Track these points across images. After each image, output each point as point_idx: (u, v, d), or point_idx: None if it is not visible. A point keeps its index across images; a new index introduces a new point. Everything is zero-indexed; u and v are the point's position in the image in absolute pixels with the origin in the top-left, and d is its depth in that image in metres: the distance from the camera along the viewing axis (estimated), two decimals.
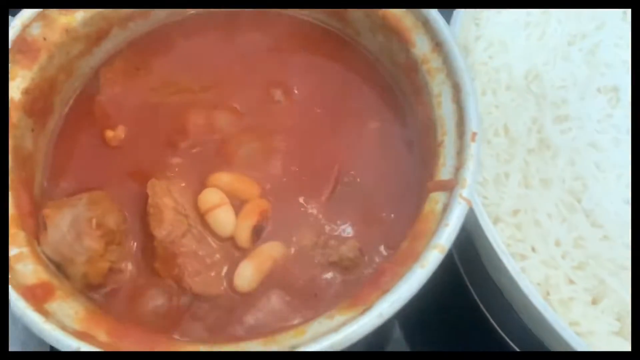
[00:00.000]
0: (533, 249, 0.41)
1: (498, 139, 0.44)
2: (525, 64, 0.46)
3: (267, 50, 0.45)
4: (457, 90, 0.38)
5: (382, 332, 0.54)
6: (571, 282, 0.39)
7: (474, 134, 0.36)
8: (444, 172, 0.36)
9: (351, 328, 0.31)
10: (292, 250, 0.40)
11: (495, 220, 0.42)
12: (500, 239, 0.37)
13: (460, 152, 0.36)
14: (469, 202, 0.34)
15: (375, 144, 0.43)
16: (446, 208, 0.34)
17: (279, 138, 0.43)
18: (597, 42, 0.46)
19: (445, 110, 0.38)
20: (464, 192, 0.34)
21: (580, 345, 0.34)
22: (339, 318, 0.32)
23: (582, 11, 0.47)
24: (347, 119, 0.44)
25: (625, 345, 0.37)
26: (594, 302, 0.39)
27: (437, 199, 0.36)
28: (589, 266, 0.39)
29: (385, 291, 0.32)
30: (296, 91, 0.44)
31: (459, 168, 0.35)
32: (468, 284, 0.45)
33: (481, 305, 0.44)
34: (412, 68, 0.41)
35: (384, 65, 0.44)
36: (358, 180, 0.42)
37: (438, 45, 0.39)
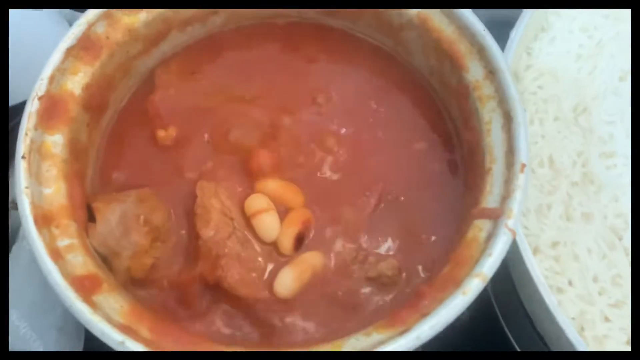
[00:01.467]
0: (570, 283, 0.41)
1: (542, 169, 0.44)
2: (574, 97, 0.46)
3: (320, 64, 0.46)
4: (507, 119, 0.38)
5: None
6: (607, 319, 0.39)
7: (523, 165, 0.36)
8: (490, 200, 0.37)
9: (388, 347, 0.31)
10: (332, 261, 0.40)
11: (535, 251, 0.42)
12: (538, 270, 0.37)
13: (508, 182, 0.36)
14: (513, 232, 0.34)
15: (420, 164, 0.43)
16: (490, 237, 0.35)
17: (326, 150, 0.43)
18: None
19: (494, 138, 0.38)
20: (510, 223, 0.34)
21: None
22: (376, 336, 0.33)
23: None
24: (393, 137, 0.44)
25: None
26: (630, 342, 0.39)
27: (481, 226, 0.36)
28: (626, 305, 0.39)
29: (424, 315, 0.32)
30: (344, 106, 0.45)
31: (506, 197, 0.36)
32: (499, 314, 0.45)
33: (511, 337, 0.44)
34: (463, 93, 0.41)
35: (434, 88, 0.45)
36: (401, 199, 0.42)
37: (491, 72, 0.40)
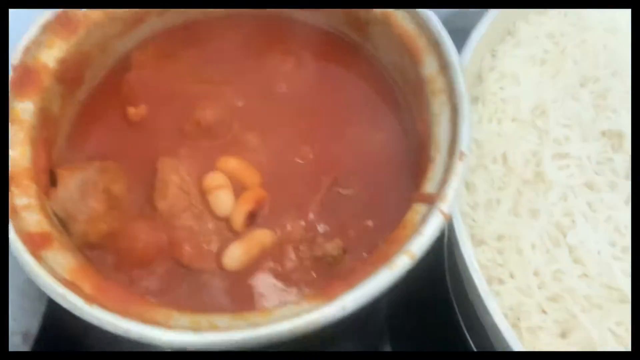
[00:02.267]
0: (511, 275, 0.42)
1: (495, 165, 0.45)
2: (534, 99, 0.47)
3: (286, 54, 0.48)
4: (454, 112, 0.40)
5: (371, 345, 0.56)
6: (543, 312, 0.40)
7: (462, 153, 0.37)
8: (429, 187, 0.38)
9: (313, 315, 0.33)
10: (281, 239, 0.42)
11: (480, 243, 0.43)
12: (474, 257, 0.38)
13: (448, 170, 0.38)
14: (447, 216, 0.36)
15: (377, 154, 0.45)
16: (424, 219, 0.36)
17: (286, 135, 0.45)
18: (608, 87, 0.47)
19: (442, 129, 0.40)
20: (443, 206, 0.36)
21: None
22: (305, 305, 0.34)
23: (599, 55, 0.48)
24: (354, 127, 0.46)
25: None
26: (563, 335, 0.39)
27: (418, 210, 0.37)
28: (563, 300, 0.40)
29: (351, 287, 0.34)
30: (308, 93, 0.47)
31: (443, 184, 0.37)
32: (453, 300, 0.46)
33: (461, 322, 0.45)
34: (419, 87, 0.43)
35: (396, 82, 0.46)
36: (354, 185, 0.44)
37: (444, 67, 0.41)
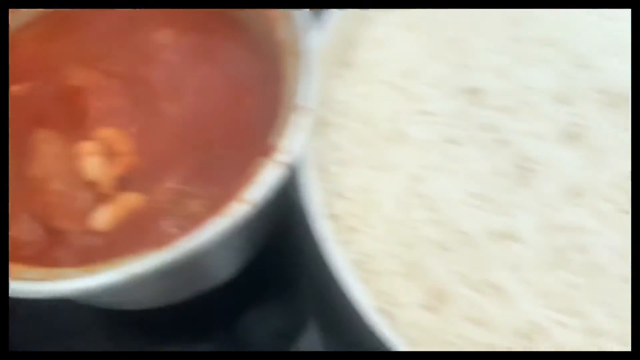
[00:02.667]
0: (367, 224, 0.44)
1: (359, 125, 0.47)
2: (403, 64, 0.50)
3: (161, 29, 0.50)
4: (305, 72, 0.42)
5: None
6: (392, 256, 0.42)
7: (305, 108, 0.40)
8: (278, 141, 0.40)
9: (150, 261, 0.35)
10: (150, 202, 0.44)
11: (339, 196, 0.45)
12: (317, 201, 0.40)
13: (291, 124, 0.40)
14: (287, 165, 0.38)
15: (246, 117, 0.47)
16: (265, 170, 0.38)
17: (158, 101, 0.47)
18: (470, 46, 0.49)
19: (293, 88, 0.42)
20: (281, 157, 0.38)
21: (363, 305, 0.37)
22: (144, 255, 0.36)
23: (464, 16, 0.50)
24: (224, 92, 0.48)
25: (432, 318, 0.40)
26: (408, 276, 0.42)
27: (262, 163, 0.40)
28: (414, 245, 0.42)
29: (188, 236, 0.36)
30: (183, 61, 0.49)
31: (286, 136, 0.39)
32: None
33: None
34: (279, 50, 0.45)
35: (263, 45, 0.48)
36: (222, 149, 0.46)
37: (294, 30, 0.43)
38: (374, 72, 0.50)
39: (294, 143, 0.39)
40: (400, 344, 0.37)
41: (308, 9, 0.44)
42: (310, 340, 0.54)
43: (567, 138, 0.46)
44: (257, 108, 0.47)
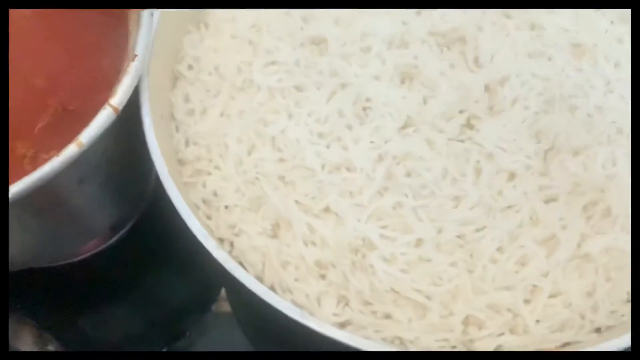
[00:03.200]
0: (216, 167, 0.47)
1: (210, 77, 0.50)
2: (251, 18, 0.53)
3: None
4: (139, 25, 0.45)
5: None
6: (239, 191, 0.45)
7: (135, 56, 0.42)
8: (115, 89, 0.43)
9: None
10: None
11: (190, 143, 0.48)
12: (157, 147, 0.43)
13: (126, 71, 0.43)
14: (115, 108, 0.41)
15: (100, 73, 0.49)
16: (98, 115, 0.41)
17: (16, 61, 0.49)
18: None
19: (131, 43, 0.45)
20: (112, 100, 0.41)
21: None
22: None
23: None
24: (82, 53, 0.50)
25: (272, 243, 0.43)
26: (254, 209, 0.45)
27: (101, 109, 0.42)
28: (258, 181, 0.46)
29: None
30: (41, 22, 0.51)
31: (120, 83, 0.42)
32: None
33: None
34: (126, 13, 0.48)
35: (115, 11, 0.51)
36: (71, 108, 0.48)
37: None
38: (226, 28, 0.53)
39: (122, 87, 0.41)
40: (235, 268, 0.40)
41: None
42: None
43: (401, 78, 0.50)
44: (110, 68, 0.50)
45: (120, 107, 0.41)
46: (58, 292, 0.60)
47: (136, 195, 0.58)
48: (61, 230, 0.50)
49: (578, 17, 0.52)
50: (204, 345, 0.61)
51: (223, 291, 0.64)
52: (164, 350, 0.59)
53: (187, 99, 0.50)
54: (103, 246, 0.62)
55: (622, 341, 0.38)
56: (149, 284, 0.65)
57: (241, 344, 0.59)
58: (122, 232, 0.62)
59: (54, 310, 0.58)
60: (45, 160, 0.44)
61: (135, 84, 0.42)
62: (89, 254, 0.61)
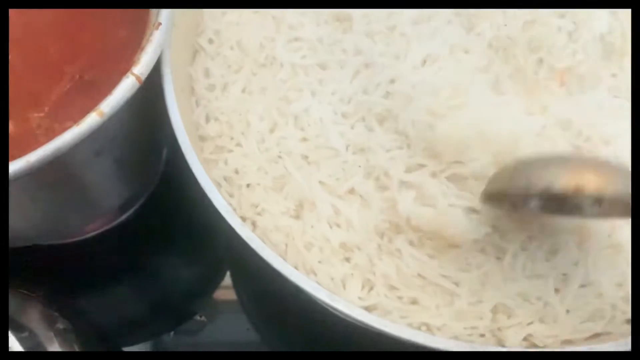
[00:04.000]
0: (238, 144, 0.45)
1: (232, 52, 0.49)
2: None
3: None
4: None
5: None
6: (261, 169, 0.44)
7: (159, 24, 0.41)
8: (136, 56, 0.41)
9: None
10: (21, 129, 0.44)
11: (211, 119, 0.46)
12: (180, 122, 0.41)
13: (149, 40, 0.41)
14: (138, 77, 0.39)
15: (118, 49, 0.47)
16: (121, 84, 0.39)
17: (31, 30, 0.47)
18: None
19: (153, 12, 0.43)
20: (135, 69, 0.39)
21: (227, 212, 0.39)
22: None
23: None
24: (98, 23, 0.48)
25: (295, 224, 0.42)
26: (277, 189, 0.43)
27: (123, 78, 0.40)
28: (282, 160, 0.44)
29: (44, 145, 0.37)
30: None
31: (142, 51, 0.40)
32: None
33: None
34: None
35: None
36: (94, 78, 0.46)
37: None
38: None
39: (146, 55, 0.39)
40: (261, 247, 0.39)
41: None
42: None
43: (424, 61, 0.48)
44: (129, 39, 0.48)
45: (144, 77, 0.39)
46: (64, 270, 0.58)
47: (147, 174, 0.57)
48: (70, 206, 0.48)
49: None
50: (209, 330, 0.60)
51: (227, 278, 0.62)
52: (171, 333, 0.58)
53: (207, 74, 0.49)
54: (109, 226, 0.60)
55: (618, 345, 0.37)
56: (154, 265, 0.64)
57: (247, 333, 0.58)
58: (129, 212, 0.60)
59: (59, 288, 0.56)
60: (62, 131, 0.42)
61: (158, 53, 0.41)
62: (95, 232, 0.59)
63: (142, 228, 0.62)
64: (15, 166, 0.36)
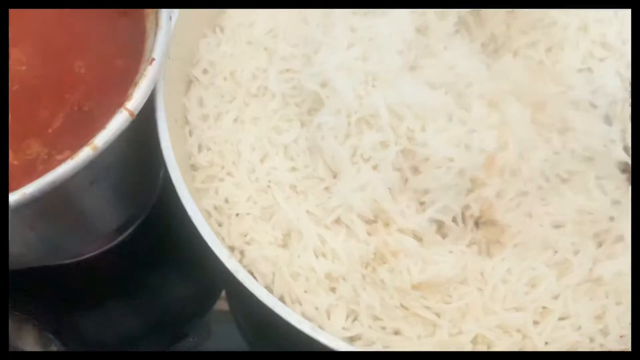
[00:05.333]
0: (229, 174, 0.47)
1: (225, 82, 0.50)
2: (268, 24, 0.53)
3: None
4: (158, 27, 0.44)
5: None
6: (251, 199, 0.45)
7: (153, 59, 0.42)
8: (132, 91, 0.43)
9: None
10: (20, 158, 0.45)
11: (204, 148, 0.48)
12: (172, 152, 0.43)
13: (143, 75, 0.42)
14: (131, 112, 0.40)
15: (116, 74, 0.49)
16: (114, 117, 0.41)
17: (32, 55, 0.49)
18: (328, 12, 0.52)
19: (149, 43, 0.45)
20: (128, 104, 0.40)
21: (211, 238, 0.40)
22: None
23: None
24: (98, 53, 0.50)
25: (282, 253, 0.43)
26: (265, 218, 0.45)
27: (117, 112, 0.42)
28: (271, 189, 0.45)
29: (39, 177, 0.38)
30: (60, 23, 0.50)
31: (137, 86, 0.42)
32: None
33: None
34: (142, 12, 0.48)
35: (132, 10, 0.50)
36: (92, 108, 0.48)
37: None
38: (241, 33, 0.53)
39: (139, 90, 0.41)
40: (246, 278, 0.40)
41: None
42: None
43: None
44: (126, 68, 0.49)
45: (136, 112, 0.41)
46: (59, 291, 0.59)
47: (143, 197, 0.58)
48: (67, 232, 0.50)
49: None
50: (204, 346, 0.61)
51: (223, 292, 0.63)
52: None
53: (201, 103, 0.50)
54: (106, 247, 0.61)
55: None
56: (150, 285, 0.65)
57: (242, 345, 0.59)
58: (125, 233, 0.61)
59: (54, 309, 0.58)
60: (59, 162, 0.43)
61: (152, 88, 0.42)
62: (91, 254, 0.60)
63: (139, 249, 0.63)
64: (11, 198, 0.37)
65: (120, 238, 0.61)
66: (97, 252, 0.60)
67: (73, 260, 0.59)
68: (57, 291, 0.58)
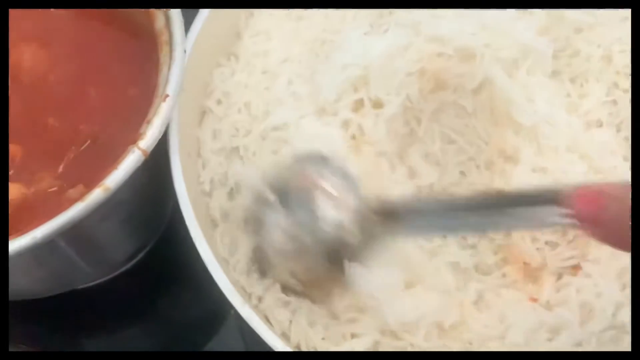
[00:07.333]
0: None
1: (240, 115, 0.49)
2: (283, 53, 0.51)
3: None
4: (172, 60, 0.43)
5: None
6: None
7: (167, 96, 0.41)
8: (143, 127, 0.41)
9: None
10: (32, 191, 0.45)
11: (220, 186, 0.47)
12: (183, 187, 0.42)
13: (157, 112, 0.41)
14: (144, 152, 0.39)
15: (129, 107, 0.48)
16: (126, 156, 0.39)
17: (42, 90, 0.48)
18: (339, 44, 0.51)
19: (163, 76, 0.43)
20: (141, 143, 0.39)
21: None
22: None
23: (334, 15, 0.52)
24: (110, 83, 0.49)
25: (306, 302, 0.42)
26: None
27: (129, 150, 0.41)
28: None
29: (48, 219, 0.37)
30: (69, 52, 0.49)
31: (150, 124, 0.41)
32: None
33: None
34: (156, 41, 0.46)
35: (143, 36, 0.49)
36: (104, 139, 0.47)
37: (168, 20, 0.45)
38: (256, 62, 0.51)
39: (153, 129, 0.40)
40: (259, 326, 0.39)
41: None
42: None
43: None
44: (139, 98, 0.48)
45: (149, 150, 0.39)
46: (63, 319, 0.59)
47: (154, 228, 0.57)
48: (75, 266, 0.48)
49: None
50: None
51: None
52: None
53: (215, 136, 0.49)
54: (115, 274, 0.60)
55: None
56: (159, 311, 0.64)
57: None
58: (135, 260, 0.60)
59: (61, 339, 0.57)
60: (71, 202, 0.42)
61: (165, 125, 0.41)
62: (99, 281, 0.60)
63: (149, 275, 0.62)
64: (21, 242, 0.36)
65: (130, 264, 0.61)
66: (105, 278, 0.60)
67: (81, 287, 0.58)
68: (60, 319, 0.58)
